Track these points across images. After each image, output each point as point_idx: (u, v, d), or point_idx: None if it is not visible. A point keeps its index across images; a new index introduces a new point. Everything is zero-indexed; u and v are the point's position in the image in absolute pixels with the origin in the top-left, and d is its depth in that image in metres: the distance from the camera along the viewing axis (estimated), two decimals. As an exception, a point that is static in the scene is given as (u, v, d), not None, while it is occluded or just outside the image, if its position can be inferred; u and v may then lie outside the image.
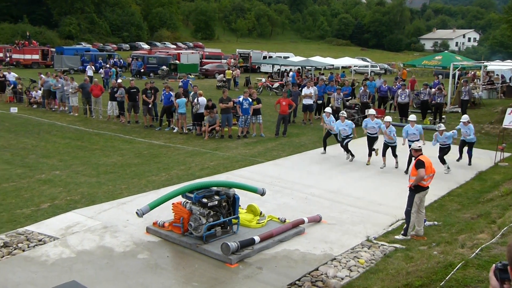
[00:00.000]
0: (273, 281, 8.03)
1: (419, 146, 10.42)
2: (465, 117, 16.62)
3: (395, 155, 15.38)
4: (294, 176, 14.25)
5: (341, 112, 17.33)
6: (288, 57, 53.90)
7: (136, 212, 8.99)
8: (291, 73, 39.44)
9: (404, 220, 10.05)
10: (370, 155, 15.94)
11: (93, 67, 40.67)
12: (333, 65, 47.07)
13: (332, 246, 9.41)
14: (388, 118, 15.44)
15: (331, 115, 16.98)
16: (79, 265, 8.37)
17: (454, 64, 29.45)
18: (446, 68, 30.54)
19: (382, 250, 9.23)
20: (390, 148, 15.37)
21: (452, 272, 6.77)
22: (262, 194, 10.62)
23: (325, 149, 17.22)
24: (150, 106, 21.72)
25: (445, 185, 13.63)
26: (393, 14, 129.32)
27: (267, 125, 21.68)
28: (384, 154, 15.48)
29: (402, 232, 9.86)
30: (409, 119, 15.64)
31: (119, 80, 25.13)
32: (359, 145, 17.11)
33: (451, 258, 7.37)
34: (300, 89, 24.41)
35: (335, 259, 8.85)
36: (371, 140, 15.93)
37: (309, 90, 23.24)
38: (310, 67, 43.59)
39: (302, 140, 19.71)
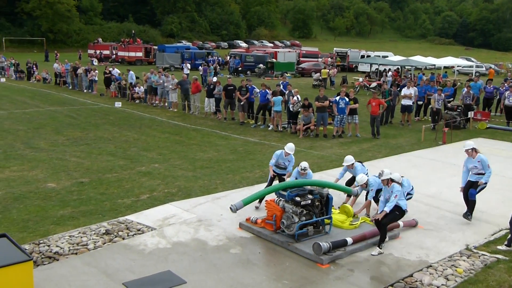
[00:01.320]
0: (365, 285, 7.84)
1: None
2: (468, 144, 10.80)
3: None
4: (390, 178, 13.81)
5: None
6: (387, 56, 52.54)
7: (230, 208, 9.13)
8: (390, 73, 38.34)
9: (509, 230, 9.44)
10: None
11: (188, 64, 41.89)
12: (434, 65, 45.35)
13: (428, 252, 9.04)
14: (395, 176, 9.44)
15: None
16: (174, 256, 8.63)
17: None
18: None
19: (483, 260, 8.73)
20: None
21: None
22: (356, 195, 10.39)
23: None
24: (242, 103, 22.03)
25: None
26: (503, 12, 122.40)
27: (363, 125, 21.25)
28: None
29: (506, 243, 9.27)
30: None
31: (214, 79, 25.72)
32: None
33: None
34: (399, 89, 23.67)
35: (431, 266, 8.51)
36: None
37: (409, 91, 22.47)
38: (410, 67, 42.22)
39: (399, 142, 19.12)
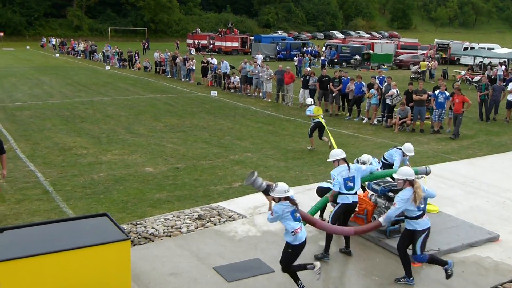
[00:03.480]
0: (459, 287, 7.50)
1: None
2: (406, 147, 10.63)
3: None
4: (491, 177, 13.10)
5: None
6: (493, 49, 49.55)
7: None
8: (502, 67, 35.40)
9: None
10: None
11: (260, 56, 41.00)
12: (547, 58, 42.18)
13: (531, 258, 8.48)
14: None
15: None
16: (263, 244, 8.72)
17: None
18: None
19: None
20: None
21: None
22: (427, 173, 9.38)
23: None
24: (334, 94, 21.75)
25: None
26: None
27: (463, 121, 20.25)
28: None
29: None
30: None
31: (308, 69, 25.58)
32: None
33: None
34: (505, 84, 22.27)
35: (533, 273, 7.97)
36: None
37: (516, 86, 21.11)
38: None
39: (503, 139, 18.06)
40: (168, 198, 11.06)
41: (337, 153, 8.57)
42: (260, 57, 29.48)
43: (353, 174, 8.32)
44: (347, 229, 7.83)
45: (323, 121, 15.44)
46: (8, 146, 15.20)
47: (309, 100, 17.41)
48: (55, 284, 6.35)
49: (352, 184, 8.23)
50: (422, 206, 7.27)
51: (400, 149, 10.72)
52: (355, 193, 8.34)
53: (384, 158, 11.08)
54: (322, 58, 39.28)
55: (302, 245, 6.95)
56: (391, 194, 8.84)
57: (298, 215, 7.01)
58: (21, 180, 12.03)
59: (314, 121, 15.54)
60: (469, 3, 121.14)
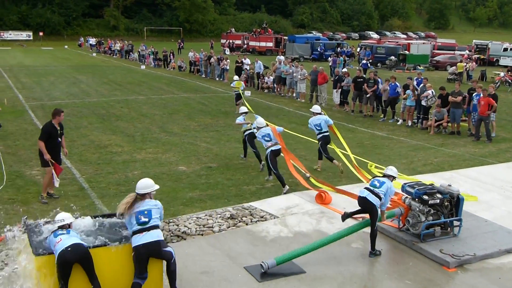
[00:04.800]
0: (496, 294, 7.33)
1: None
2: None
3: None
4: (530, 182, 12.76)
5: None
6: (534, 50, 48.30)
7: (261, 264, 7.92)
8: None
9: None
10: None
11: (282, 57, 40.07)
12: None
13: None
14: None
15: None
16: (295, 245, 8.67)
17: None
18: None
19: None
20: None
21: None
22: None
23: None
24: (368, 95, 21.52)
25: None
26: None
27: (502, 124, 19.82)
28: None
29: None
30: None
31: (344, 69, 25.37)
32: None
33: None
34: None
35: None
36: None
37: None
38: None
39: (543, 143, 17.56)
40: (201, 197, 11.13)
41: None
42: (281, 58, 29.41)
43: None
44: None
45: (241, 92, 19.91)
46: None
47: (235, 77, 22.72)
48: (85, 281, 6.47)
49: None
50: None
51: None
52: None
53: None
54: (364, 62, 38.77)
55: None
56: (425, 197, 8.70)
57: None
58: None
59: (235, 92, 20.29)
60: (510, 3, 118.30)
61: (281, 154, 11.86)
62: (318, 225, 9.62)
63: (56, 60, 48.35)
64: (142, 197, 6.84)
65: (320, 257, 8.26)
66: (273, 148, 11.64)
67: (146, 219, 6.64)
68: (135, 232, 6.60)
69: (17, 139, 16.01)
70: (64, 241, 6.31)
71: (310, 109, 12.37)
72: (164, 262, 6.82)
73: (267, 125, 12.37)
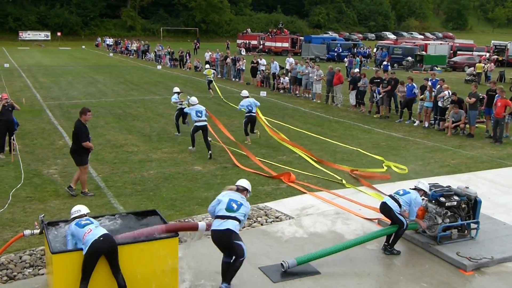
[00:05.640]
0: (514, 298, 7.24)
1: None
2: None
3: None
4: (549, 185, 12.59)
5: None
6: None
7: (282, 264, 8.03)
8: None
9: None
10: None
11: (292, 59, 39.95)
12: None
13: None
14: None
15: None
16: (310, 246, 8.66)
17: None
18: None
19: None
20: None
21: None
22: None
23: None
24: (381, 96, 21.39)
25: None
26: None
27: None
28: None
29: None
30: None
31: (356, 70, 25.24)
32: None
33: None
34: None
35: None
36: None
37: None
38: None
39: None
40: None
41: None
42: (291, 60, 29.35)
43: None
44: (158, 228, 7.09)
45: (213, 78, 24.38)
46: (63, 143, 15.71)
47: (207, 66, 28.67)
48: (106, 276, 6.52)
49: None
50: None
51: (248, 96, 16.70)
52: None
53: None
54: (385, 63, 38.50)
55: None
56: (442, 199, 8.62)
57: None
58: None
59: (208, 79, 25.34)
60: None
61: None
62: (333, 226, 9.59)
63: (73, 60, 48.80)
64: (240, 191, 7.35)
65: (335, 258, 8.22)
66: (198, 124, 14.35)
67: (235, 207, 7.04)
68: (217, 217, 7.02)
69: (34, 138, 16.19)
70: (95, 231, 6.46)
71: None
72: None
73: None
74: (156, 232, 6.93)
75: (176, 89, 17.97)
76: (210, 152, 14.33)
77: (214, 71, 30.56)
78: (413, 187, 8.71)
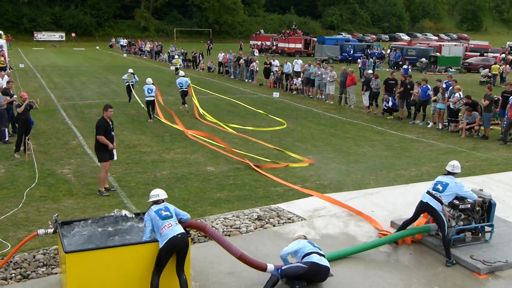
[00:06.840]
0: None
1: None
2: None
3: None
4: None
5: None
6: None
7: None
8: None
9: None
10: None
11: (300, 61, 39.92)
12: None
13: None
14: None
15: None
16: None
17: None
18: None
19: None
20: None
21: None
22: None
23: None
24: (389, 106, 21.33)
25: None
26: None
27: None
28: None
29: None
30: None
31: (369, 71, 25.11)
32: None
33: None
34: None
35: None
36: None
37: None
38: None
39: None
40: (228, 198, 11.15)
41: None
42: (300, 61, 29.30)
43: None
44: (234, 248, 7.28)
45: (179, 66, 28.51)
46: (77, 143, 15.82)
47: (176, 56, 31.62)
48: (118, 275, 6.58)
49: None
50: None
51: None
52: None
53: None
54: (405, 67, 38.11)
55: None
56: (456, 201, 8.55)
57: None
58: (88, 175, 12.47)
59: (175, 66, 30.09)
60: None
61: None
62: (345, 228, 9.54)
63: (87, 60, 49.14)
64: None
65: (347, 260, 8.19)
66: (148, 99, 19.75)
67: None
68: (314, 253, 7.50)
69: (49, 138, 16.31)
70: (175, 227, 6.80)
71: (176, 74, 20.28)
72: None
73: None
74: (230, 251, 7.25)
75: (130, 70, 23.88)
76: (150, 120, 19.51)
77: (181, 62, 40.23)
78: (446, 172, 8.73)
